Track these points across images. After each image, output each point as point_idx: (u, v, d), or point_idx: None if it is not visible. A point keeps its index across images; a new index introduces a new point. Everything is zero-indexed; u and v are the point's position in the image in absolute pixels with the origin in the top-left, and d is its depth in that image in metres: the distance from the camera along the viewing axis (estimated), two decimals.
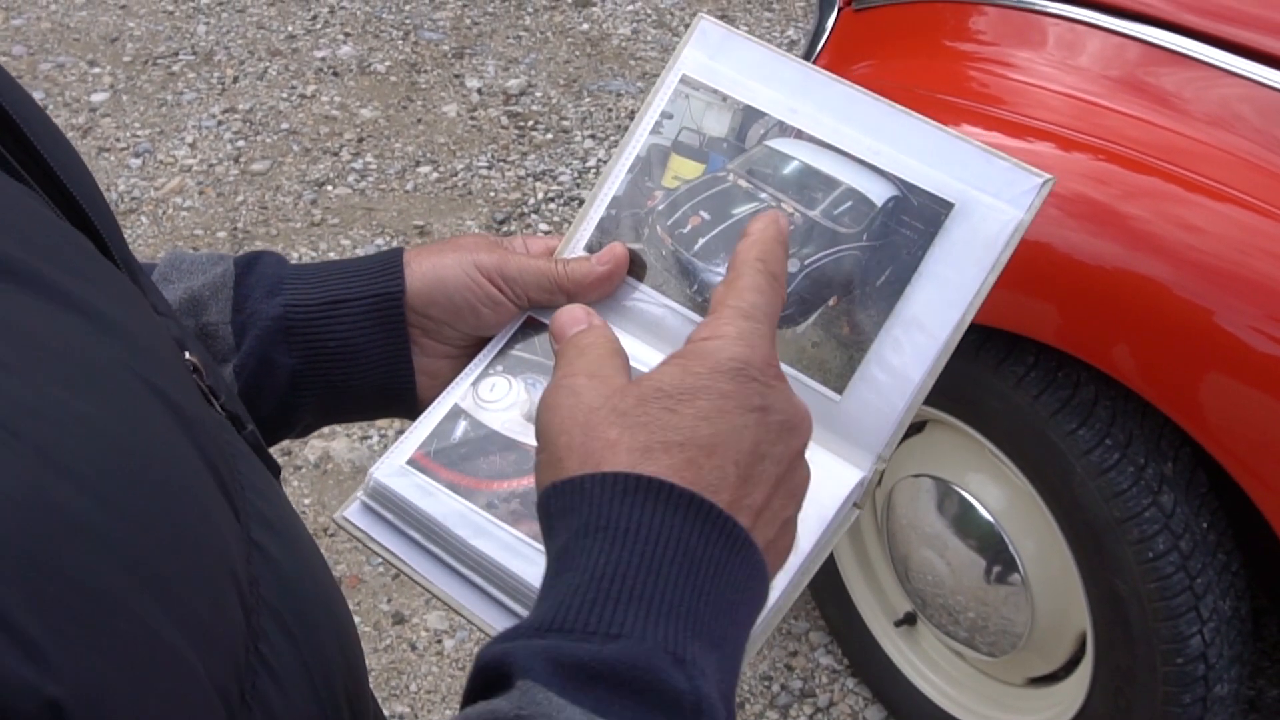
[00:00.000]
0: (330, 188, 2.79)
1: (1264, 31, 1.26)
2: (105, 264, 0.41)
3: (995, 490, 1.44)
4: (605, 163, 2.86)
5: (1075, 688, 1.45)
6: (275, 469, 0.50)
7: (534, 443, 0.59)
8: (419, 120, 2.99)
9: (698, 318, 0.62)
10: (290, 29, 3.35)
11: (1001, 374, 1.32)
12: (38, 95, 3.06)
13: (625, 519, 0.39)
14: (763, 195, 0.63)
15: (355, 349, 0.63)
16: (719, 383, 0.43)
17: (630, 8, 3.37)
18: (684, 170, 0.65)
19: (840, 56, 1.57)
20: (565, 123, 2.97)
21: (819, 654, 1.84)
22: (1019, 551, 1.42)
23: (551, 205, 2.72)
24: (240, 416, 0.48)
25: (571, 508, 0.41)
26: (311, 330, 0.63)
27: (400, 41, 3.29)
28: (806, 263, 0.61)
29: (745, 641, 0.41)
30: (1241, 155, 1.24)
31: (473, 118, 3.00)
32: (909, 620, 1.64)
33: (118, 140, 2.95)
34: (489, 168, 2.83)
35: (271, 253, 0.66)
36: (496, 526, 0.57)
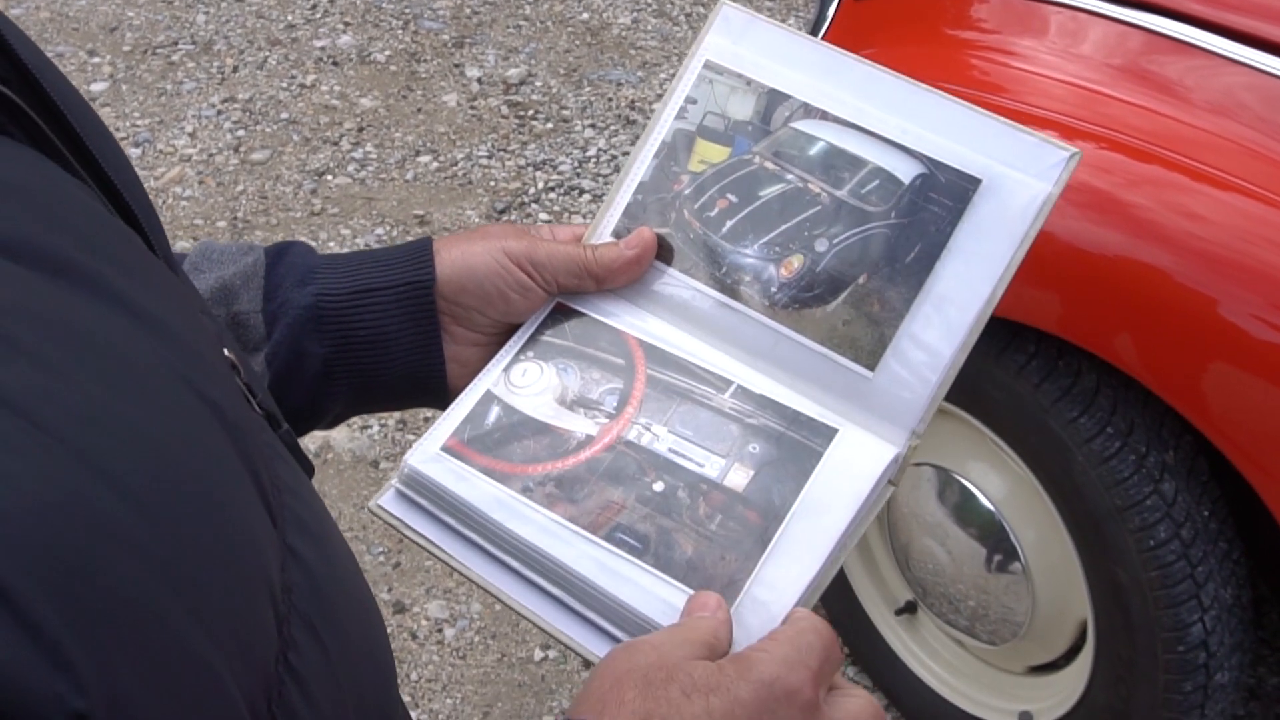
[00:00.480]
0: (330, 177, 2.79)
1: (1267, 19, 1.25)
2: (155, 262, 0.41)
3: (996, 479, 1.44)
4: (605, 152, 2.86)
5: (1076, 676, 1.45)
6: (309, 468, 0.49)
7: (567, 426, 0.60)
8: (419, 110, 2.99)
9: (726, 299, 0.63)
10: (290, 18, 3.34)
11: (1002, 362, 1.32)
12: None
13: None
14: (789, 176, 0.64)
15: (386, 337, 0.63)
16: (739, 689, 0.45)
17: None
18: (710, 154, 0.66)
19: (842, 43, 1.56)
20: (565, 112, 2.96)
21: None
22: (1020, 540, 1.42)
23: (552, 195, 2.72)
24: (275, 415, 0.47)
25: None
26: (342, 319, 0.63)
27: (400, 31, 3.28)
28: (835, 242, 0.62)
29: None
30: (1244, 143, 1.23)
31: (473, 107, 2.99)
32: (909, 609, 1.64)
33: (117, 130, 2.95)
34: (489, 157, 2.83)
35: (301, 242, 0.66)
36: (533, 510, 0.57)
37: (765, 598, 0.53)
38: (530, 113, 2.97)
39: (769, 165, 0.64)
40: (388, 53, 3.20)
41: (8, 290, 0.32)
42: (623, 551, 0.55)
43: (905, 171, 0.61)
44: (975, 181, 0.59)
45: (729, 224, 0.64)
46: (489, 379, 0.63)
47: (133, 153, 2.88)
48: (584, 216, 2.66)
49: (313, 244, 2.72)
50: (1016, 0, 1.43)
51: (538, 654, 1.84)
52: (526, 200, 2.71)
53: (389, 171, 2.80)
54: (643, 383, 0.61)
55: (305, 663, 0.36)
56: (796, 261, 0.62)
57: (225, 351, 0.44)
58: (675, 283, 0.64)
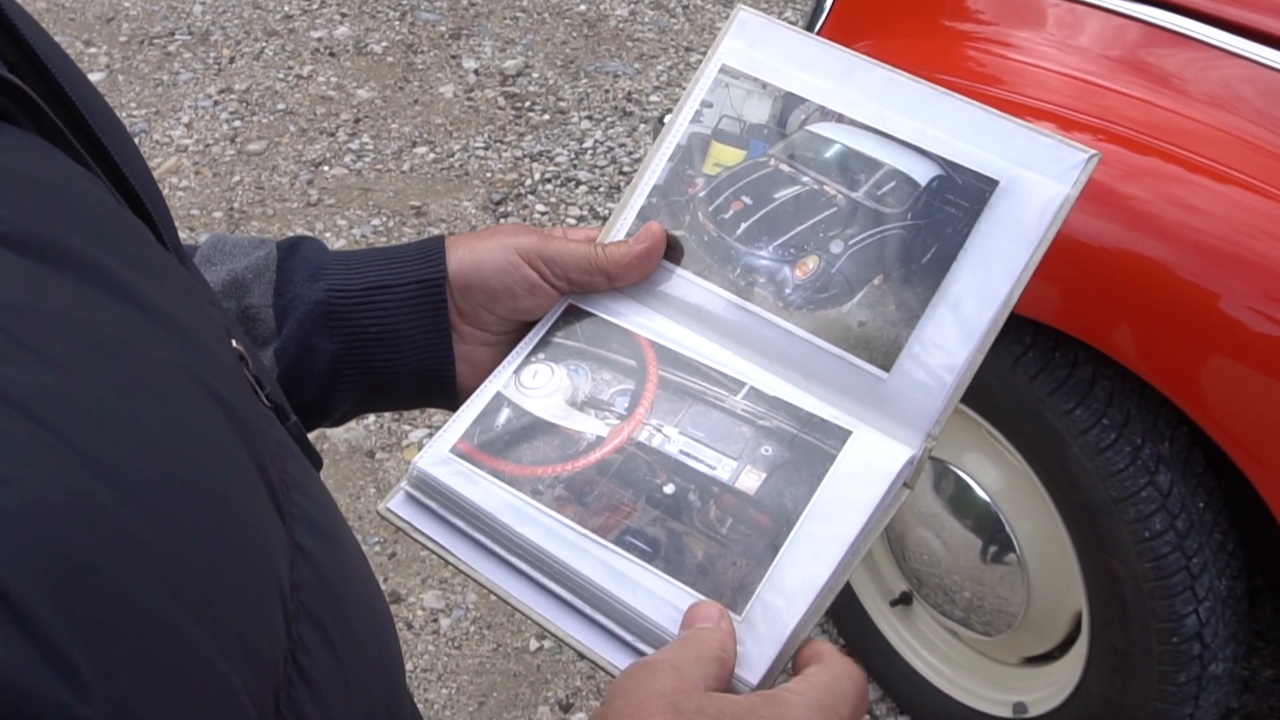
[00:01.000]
0: (326, 168, 2.78)
1: (1265, 12, 1.25)
2: (163, 254, 0.40)
3: (992, 470, 1.44)
4: (601, 144, 2.85)
5: (1071, 667, 1.45)
6: (318, 462, 0.49)
7: (577, 427, 0.60)
8: (415, 101, 2.98)
9: (740, 301, 0.62)
10: (286, 9, 3.33)
11: (998, 353, 1.32)
12: None
13: None
14: (805, 179, 0.63)
15: (396, 334, 0.63)
16: None
17: None
18: (725, 157, 0.65)
19: (838, 36, 1.56)
20: (562, 104, 2.96)
21: (815, 633, 1.84)
22: (1015, 531, 1.43)
23: (548, 186, 2.72)
24: (283, 408, 0.47)
25: None
26: (353, 315, 0.62)
27: (397, 22, 3.27)
28: (850, 243, 0.61)
29: None
30: (1242, 136, 1.23)
31: (469, 98, 2.99)
32: (905, 600, 1.65)
33: None
34: (486, 148, 2.82)
35: (312, 238, 0.66)
36: (541, 512, 0.57)
37: (776, 603, 0.53)
38: (527, 104, 2.96)
39: (784, 168, 0.64)
40: (384, 44, 3.19)
41: (12, 284, 0.31)
42: (633, 556, 0.55)
43: (922, 173, 0.61)
44: (992, 183, 0.59)
45: (743, 226, 0.63)
46: (499, 381, 0.62)
47: None
48: (580, 208, 2.65)
49: (308, 234, 2.72)
50: None
51: (533, 644, 1.84)
52: (523, 191, 2.70)
53: (385, 163, 2.80)
54: (654, 384, 0.61)
55: (314, 662, 0.36)
56: (811, 263, 0.61)
57: (234, 343, 0.43)
58: (688, 284, 0.64)
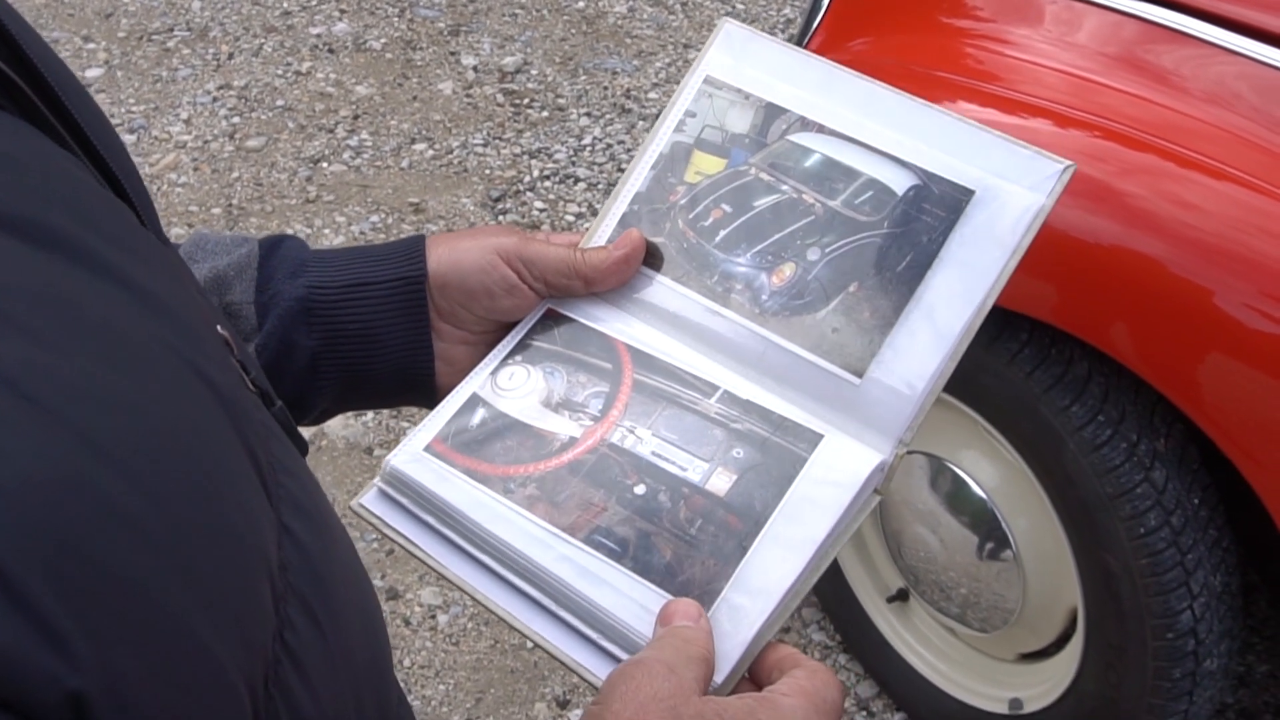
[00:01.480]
0: (325, 165, 2.78)
1: (1263, 9, 1.26)
2: (147, 236, 0.41)
3: (988, 467, 1.45)
4: (600, 140, 2.85)
5: (1066, 663, 1.46)
6: (303, 447, 0.49)
7: (551, 428, 0.60)
8: (414, 97, 2.98)
9: (716, 307, 0.63)
10: (285, 5, 3.33)
11: (994, 351, 1.32)
12: None
13: None
14: (784, 187, 0.64)
15: (376, 332, 0.63)
16: None
17: None
18: (706, 166, 0.66)
19: (836, 33, 1.56)
20: (561, 100, 2.96)
21: (811, 630, 1.85)
22: (1011, 528, 1.43)
23: (547, 183, 2.72)
24: (269, 393, 0.47)
25: None
26: (333, 312, 0.63)
27: (396, 19, 3.27)
28: (827, 250, 0.62)
29: None
30: (1239, 133, 1.23)
31: (468, 95, 2.99)
32: (901, 596, 1.65)
33: (112, 116, 2.94)
34: (484, 145, 2.82)
35: (293, 236, 0.66)
36: (512, 511, 0.57)
37: (743, 604, 0.53)
38: (526, 101, 2.96)
39: (764, 176, 0.65)
40: (383, 40, 3.19)
41: (1, 265, 0.31)
42: (601, 554, 0.55)
43: (899, 183, 0.61)
44: (968, 193, 0.60)
45: (722, 233, 0.64)
46: (476, 382, 0.63)
47: (128, 139, 2.87)
48: (579, 205, 2.65)
49: (307, 231, 2.72)
50: None
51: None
52: (521, 188, 2.70)
53: (384, 159, 2.80)
54: (629, 386, 0.61)
55: (301, 642, 0.36)
56: (788, 269, 0.62)
57: (219, 329, 0.44)
58: (667, 291, 0.64)
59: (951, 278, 0.59)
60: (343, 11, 3.30)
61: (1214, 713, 1.42)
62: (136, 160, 2.80)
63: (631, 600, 0.54)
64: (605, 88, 3.00)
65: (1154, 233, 1.20)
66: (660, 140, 0.67)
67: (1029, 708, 1.52)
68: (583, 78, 3.04)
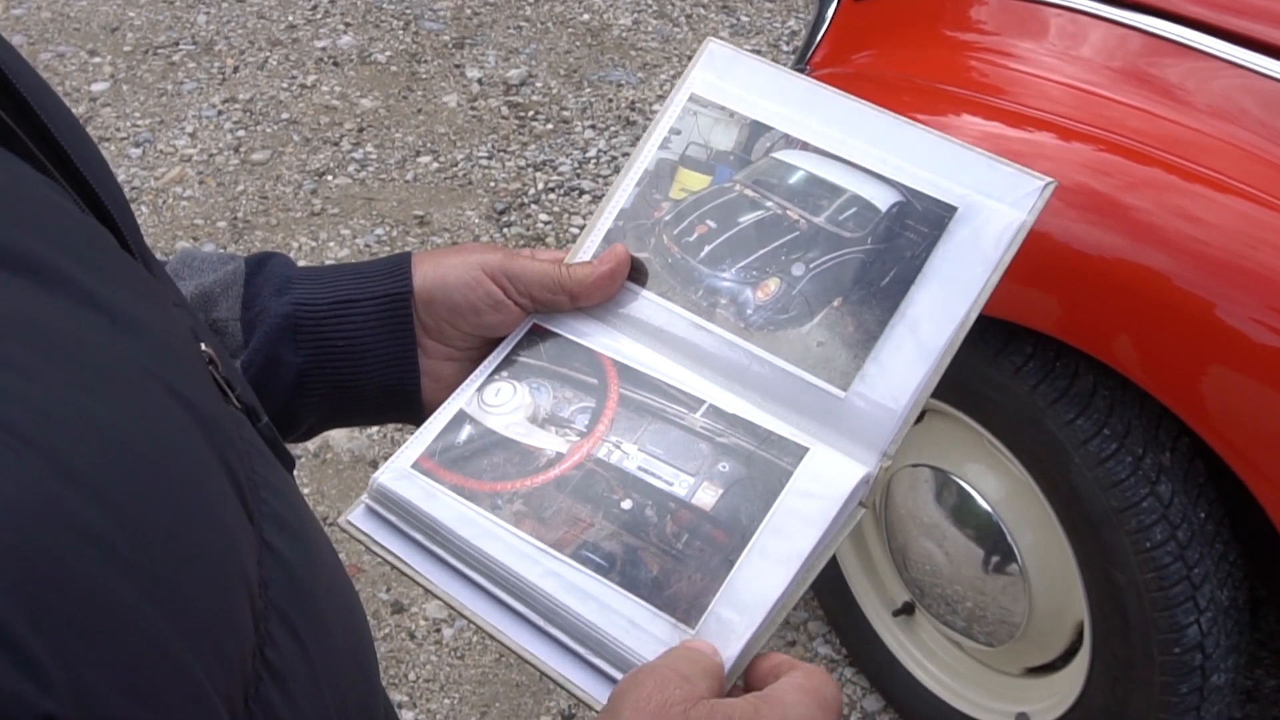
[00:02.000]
0: (330, 177, 2.79)
1: (1267, 22, 1.26)
2: (125, 258, 0.41)
3: (993, 480, 1.44)
4: (605, 153, 2.86)
5: (1073, 677, 1.45)
6: (290, 462, 0.49)
7: (538, 444, 0.60)
8: (419, 110, 2.99)
9: (701, 321, 0.64)
10: (290, 19, 3.35)
11: (999, 364, 1.32)
12: None
13: None
14: (768, 203, 0.65)
15: (363, 349, 0.63)
16: None
17: None
18: (691, 182, 0.67)
19: (840, 47, 1.57)
20: (566, 113, 2.97)
21: (817, 643, 1.84)
22: (1017, 541, 1.42)
23: (551, 195, 2.72)
24: (255, 409, 0.47)
25: None
26: (320, 329, 0.63)
27: (401, 31, 3.28)
28: (811, 266, 0.62)
29: None
30: (1244, 146, 1.23)
31: (473, 108, 3.00)
32: (907, 610, 1.65)
33: (118, 130, 2.95)
34: (489, 158, 2.83)
35: (280, 254, 0.66)
36: (500, 527, 0.57)
37: (730, 618, 0.53)
38: (530, 113, 2.97)
39: (749, 193, 0.65)
40: (388, 53, 3.20)
41: None
42: (588, 570, 0.56)
43: (883, 199, 0.62)
44: (951, 209, 0.61)
45: (707, 249, 0.65)
46: (462, 399, 0.63)
47: (133, 153, 2.88)
48: (584, 217, 2.66)
49: (312, 244, 2.72)
50: (1015, 2, 1.43)
51: None
52: (526, 201, 2.71)
53: (389, 172, 2.80)
54: (615, 401, 0.61)
55: (283, 659, 0.36)
56: (773, 284, 0.63)
57: (202, 346, 0.44)
58: (652, 306, 0.65)
59: (935, 293, 0.59)
60: (348, 25, 3.31)
61: None
62: (141, 174, 2.81)
63: (619, 615, 0.54)
64: (610, 100, 3.01)
65: (1159, 246, 1.20)
66: (645, 157, 0.68)
67: None
68: (587, 90, 3.04)
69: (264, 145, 2.89)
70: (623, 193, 0.68)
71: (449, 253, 0.65)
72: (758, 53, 0.70)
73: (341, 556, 2.05)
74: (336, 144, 2.88)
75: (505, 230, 2.63)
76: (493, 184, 2.76)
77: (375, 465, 2.13)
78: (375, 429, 2.19)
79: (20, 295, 0.33)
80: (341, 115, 2.98)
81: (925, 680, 1.65)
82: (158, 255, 0.65)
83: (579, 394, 0.62)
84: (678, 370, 0.63)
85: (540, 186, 2.75)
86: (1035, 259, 1.26)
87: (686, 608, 0.54)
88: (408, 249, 2.59)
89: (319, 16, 3.35)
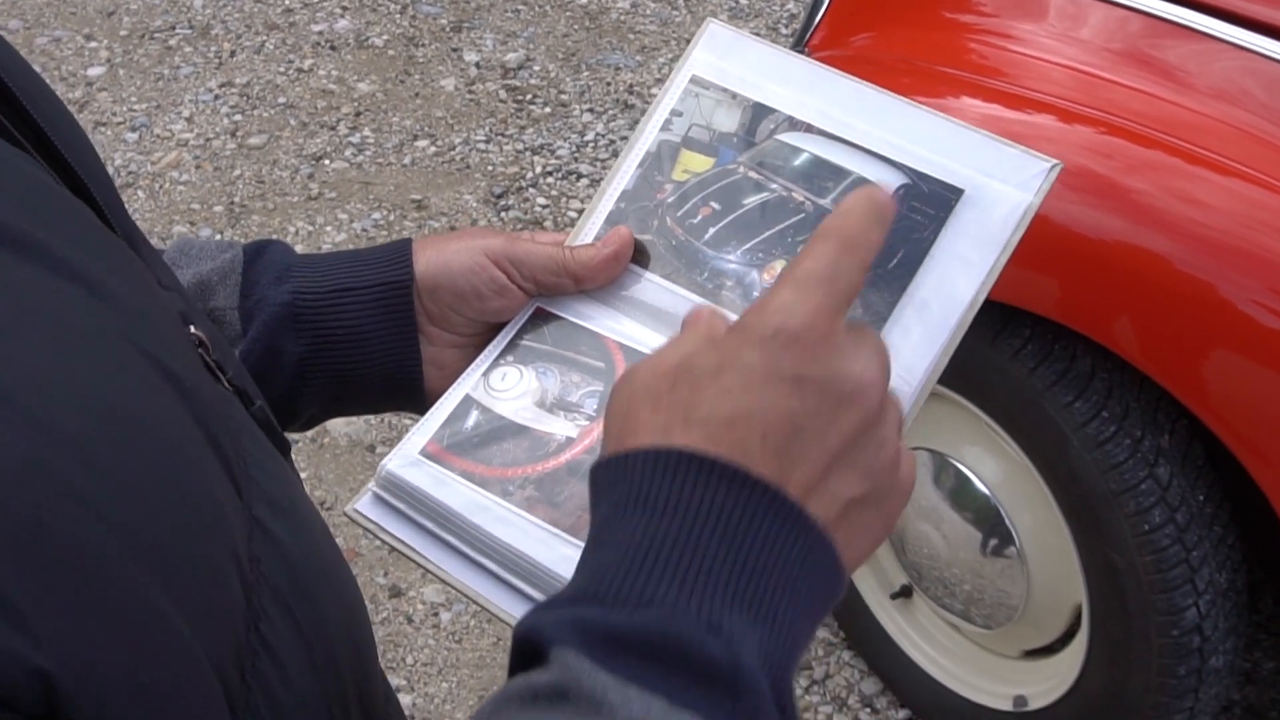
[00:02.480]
0: (327, 162, 2.78)
1: (1269, 3, 1.25)
2: (105, 234, 0.41)
3: (992, 463, 1.44)
4: (603, 136, 2.85)
5: (1071, 660, 1.45)
6: (285, 446, 0.49)
7: (547, 429, 0.60)
8: (416, 94, 2.98)
9: (707, 304, 0.63)
10: (287, 3, 3.33)
11: (998, 347, 1.32)
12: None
13: (659, 492, 0.38)
14: (773, 186, 0.64)
15: (363, 337, 0.63)
16: (745, 354, 0.40)
17: None
18: (694, 164, 0.66)
19: (839, 29, 1.56)
20: (564, 97, 2.96)
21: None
22: (1015, 524, 1.42)
23: (549, 179, 2.71)
24: (249, 392, 0.47)
25: (611, 482, 0.41)
26: (319, 317, 0.62)
27: (398, 15, 3.27)
28: None
29: (810, 622, 0.39)
30: (1246, 129, 1.23)
31: (470, 92, 2.98)
32: (905, 593, 1.65)
33: (114, 115, 2.94)
34: (487, 142, 2.82)
35: (280, 241, 0.66)
36: (513, 513, 0.57)
37: None
38: (528, 97, 2.96)
39: (753, 175, 0.65)
40: (385, 37, 3.18)
41: None
42: None
43: (889, 182, 0.62)
44: (958, 192, 0.60)
45: (712, 231, 0.64)
46: (468, 383, 0.63)
47: (130, 137, 2.87)
48: (581, 201, 2.65)
49: (310, 228, 2.71)
50: None
51: None
52: (524, 185, 2.70)
53: (386, 156, 2.79)
54: None
55: (277, 634, 0.36)
56: (779, 266, 0.62)
57: (192, 328, 0.44)
58: (656, 288, 0.64)
59: (943, 274, 0.59)
60: (345, 8, 3.30)
61: (1219, 710, 1.42)
62: (138, 158, 2.80)
63: None
64: (608, 84, 2.99)
65: (1159, 228, 1.20)
66: (647, 139, 0.68)
67: (1033, 704, 1.51)
68: (585, 74, 3.03)
69: (261, 130, 2.88)
70: (624, 174, 0.67)
71: (450, 238, 0.65)
72: (757, 35, 0.70)
73: (339, 541, 2.05)
74: (333, 128, 2.87)
75: (503, 214, 2.62)
76: (490, 168, 2.75)
77: (373, 450, 2.13)
78: (375, 416, 2.19)
79: (1, 267, 0.33)
80: (338, 99, 2.97)
81: (923, 663, 1.65)
82: (154, 240, 0.65)
83: (586, 378, 0.62)
84: None
85: (538, 170, 2.74)
86: (1035, 241, 1.24)
87: None
88: (405, 234, 2.59)
89: (315, 0, 3.34)
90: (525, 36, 3.17)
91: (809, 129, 0.65)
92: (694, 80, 0.68)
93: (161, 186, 2.73)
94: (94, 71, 3.09)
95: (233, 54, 3.14)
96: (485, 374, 0.63)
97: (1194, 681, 1.32)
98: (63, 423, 0.31)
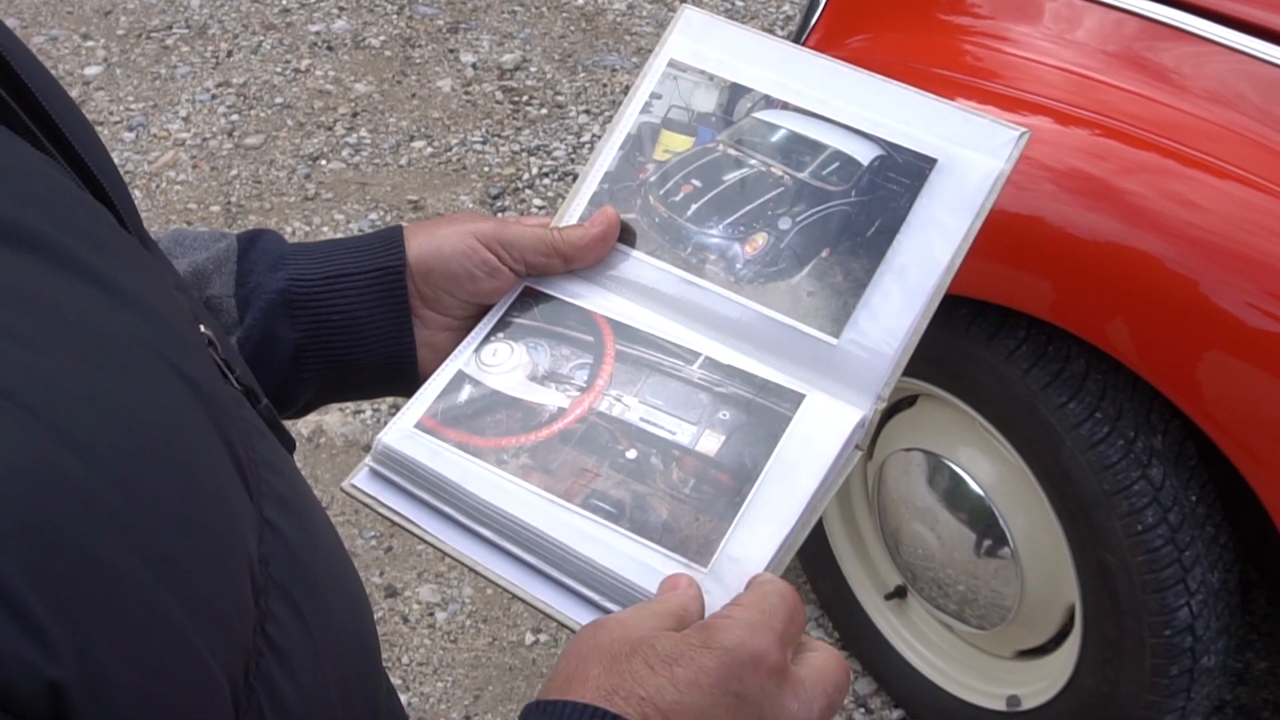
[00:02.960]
0: (324, 162, 2.78)
1: (1263, 6, 1.26)
2: (125, 237, 0.41)
3: (986, 464, 1.45)
4: (600, 138, 2.84)
5: (1064, 660, 1.46)
6: (290, 444, 0.50)
7: (539, 400, 0.61)
8: (413, 95, 2.98)
9: (691, 278, 0.65)
10: (284, 3, 3.33)
11: (992, 348, 1.32)
12: None
13: None
14: (752, 162, 0.66)
15: (358, 322, 0.64)
16: (703, 659, 0.45)
17: None
18: (674, 144, 0.68)
19: (834, 31, 1.56)
20: (560, 98, 2.96)
21: (809, 627, 1.85)
22: (1009, 525, 1.43)
23: (546, 180, 2.72)
24: (254, 390, 0.48)
25: None
26: (314, 304, 0.63)
27: (395, 16, 3.27)
28: (798, 220, 0.64)
29: None
30: (1239, 131, 1.23)
31: (467, 92, 2.99)
32: (899, 594, 1.65)
33: (111, 114, 2.94)
34: (483, 143, 2.82)
35: (271, 231, 0.66)
36: (508, 481, 0.58)
37: (740, 555, 0.55)
38: (525, 98, 2.96)
39: (732, 152, 0.67)
40: (382, 38, 3.19)
41: None
42: (598, 517, 0.56)
43: (864, 154, 0.64)
44: (931, 161, 0.63)
45: (694, 207, 0.66)
46: (460, 359, 0.64)
47: (126, 137, 2.87)
48: None
49: (306, 228, 2.72)
50: None
51: (529, 638, 1.84)
52: (520, 186, 2.70)
53: (383, 157, 2.80)
54: (612, 357, 0.63)
55: (284, 634, 0.37)
56: (760, 239, 0.64)
57: (201, 327, 0.44)
58: (641, 265, 0.66)
59: (920, 240, 0.61)
60: (341, 9, 3.30)
61: (1212, 710, 1.43)
62: (135, 158, 2.80)
63: (631, 558, 0.55)
64: (604, 85, 3.00)
65: (1153, 230, 1.20)
66: (627, 121, 0.69)
67: (1027, 704, 1.52)
68: (582, 75, 3.04)
69: (258, 130, 2.88)
70: (606, 156, 0.69)
71: (440, 223, 0.66)
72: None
73: None
74: (330, 129, 2.87)
75: (499, 215, 2.63)
76: (487, 169, 2.75)
77: (369, 449, 2.13)
78: (370, 413, 2.19)
79: (25, 270, 0.33)
80: (335, 100, 2.97)
81: (917, 663, 1.65)
82: None
83: (576, 351, 0.63)
84: (671, 326, 0.64)
85: (534, 171, 2.74)
86: (1029, 243, 1.26)
87: (698, 549, 0.55)
88: None
89: (312, 1, 3.34)
90: (522, 38, 3.18)
91: (785, 106, 0.66)
92: (672, 64, 0.70)
93: (158, 186, 2.73)
94: (91, 71, 3.09)
95: (230, 54, 3.14)
96: (476, 350, 0.64)
97: (1186, 681, 1.32)
98: (82, 429, 0.31)
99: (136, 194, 2.70)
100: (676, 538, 0.55)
